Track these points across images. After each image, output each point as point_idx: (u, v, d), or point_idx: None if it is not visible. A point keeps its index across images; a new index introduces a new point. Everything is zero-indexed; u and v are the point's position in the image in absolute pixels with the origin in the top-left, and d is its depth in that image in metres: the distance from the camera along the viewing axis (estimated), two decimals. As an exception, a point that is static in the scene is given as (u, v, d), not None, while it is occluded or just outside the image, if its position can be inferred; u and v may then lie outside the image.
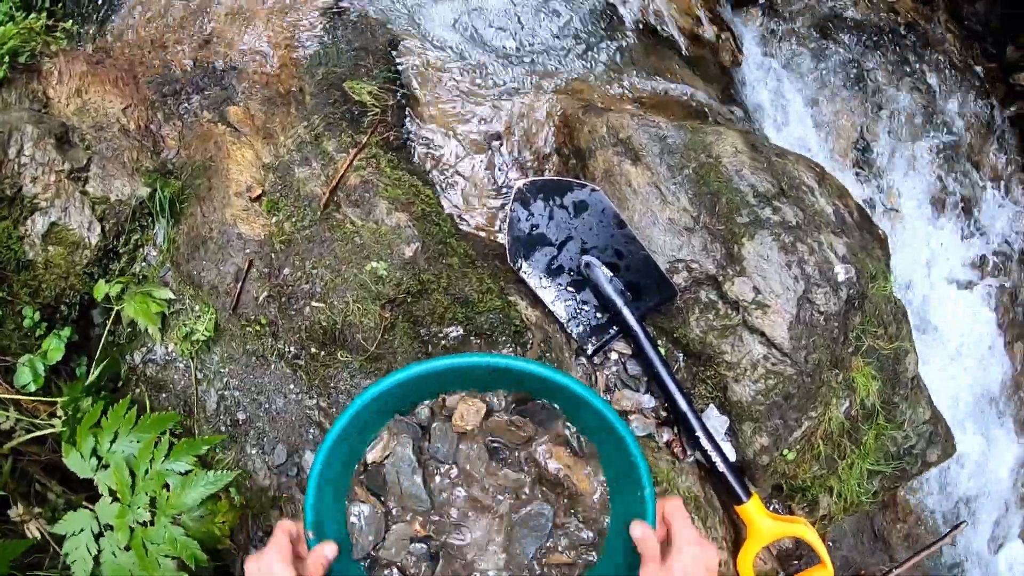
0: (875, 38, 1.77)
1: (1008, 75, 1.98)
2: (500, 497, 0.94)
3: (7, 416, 1.24)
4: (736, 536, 1.29)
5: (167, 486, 0.97)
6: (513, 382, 1.02)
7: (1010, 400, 1.85)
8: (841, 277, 1.25)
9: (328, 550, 0.91)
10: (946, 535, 1.49)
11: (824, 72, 1.69)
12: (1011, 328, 1.87)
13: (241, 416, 1.24)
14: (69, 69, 1.47)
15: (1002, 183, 1.91)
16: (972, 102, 1.86)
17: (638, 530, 0.85)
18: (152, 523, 0.97)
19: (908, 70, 1.80)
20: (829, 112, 1.71)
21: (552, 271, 1.22)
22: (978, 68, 1.92)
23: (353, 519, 0.99)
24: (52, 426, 1.22)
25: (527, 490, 0.96)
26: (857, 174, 1.68)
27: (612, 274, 1.22)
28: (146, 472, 0.98)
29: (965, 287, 1.82)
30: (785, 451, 1.26)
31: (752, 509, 1.21)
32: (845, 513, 1.42)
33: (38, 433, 1.22)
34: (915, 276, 1.76)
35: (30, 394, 1.21)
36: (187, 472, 0.96)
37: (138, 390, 1.28)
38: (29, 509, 1.26)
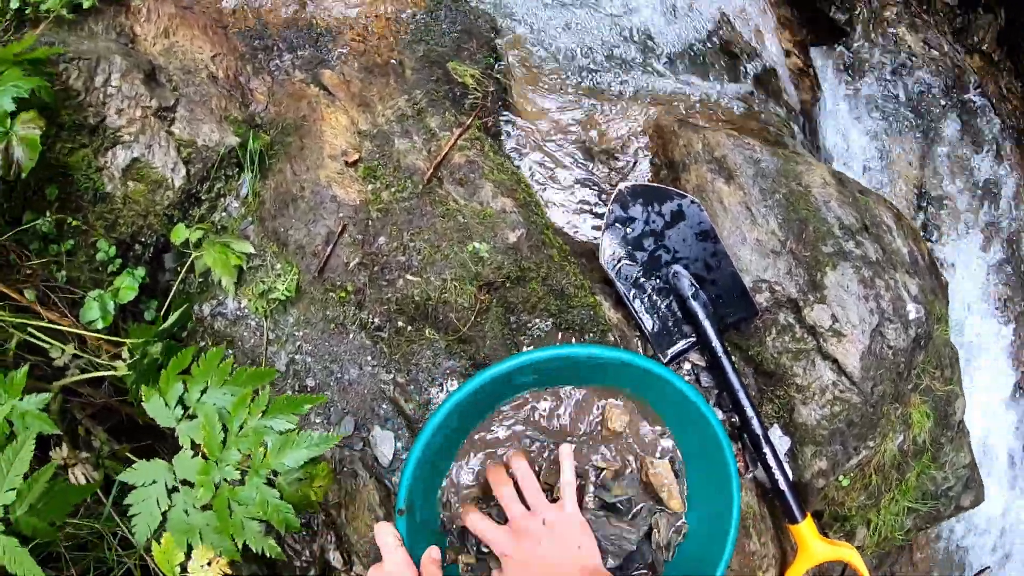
0: (944, 92, 1.86)
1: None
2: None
3: (63, 351, 1.21)
4: (782, 556, 1.34)
5: (264, 445, 0.96)
6: (622, 378, 1.05)
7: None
8: (912, 316, 1.32)
9: (435, 553, 0.96)
10: (968, 577, 1.57)
11: (891, 118, 1.77)
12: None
13: (310, 383, 1.24)
14: (158, 8, 1.45)
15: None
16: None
17: None
18: (242, 482, 0.96)
19: (971, 127, 1.89)
20: (890, 158, 1.80)
21: (640, 275, 1.26)
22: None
23: None
24: (114, 368, 1.20)
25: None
26: (919, 224, 1.77)
27: (697, 286, 1.26)
28: (240, 427, 0.97)
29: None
30: (841, 477, 1.31)
31: (806, 529, 1.25)
32: (877, 547, 1.48)
33: (97, 374, 1.20)
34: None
35: (96, 331, 1.19)
36: (287, 431, 0.96)
37: (203, 343, 1.27)
38: (75, 453, 1.23)
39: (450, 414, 0.96)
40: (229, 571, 1.13)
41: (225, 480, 0.97)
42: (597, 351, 1.00)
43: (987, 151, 1.86)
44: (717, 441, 1.03)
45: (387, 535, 0.99)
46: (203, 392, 1.01)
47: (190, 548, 1.10)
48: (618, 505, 1.03)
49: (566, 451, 1.01)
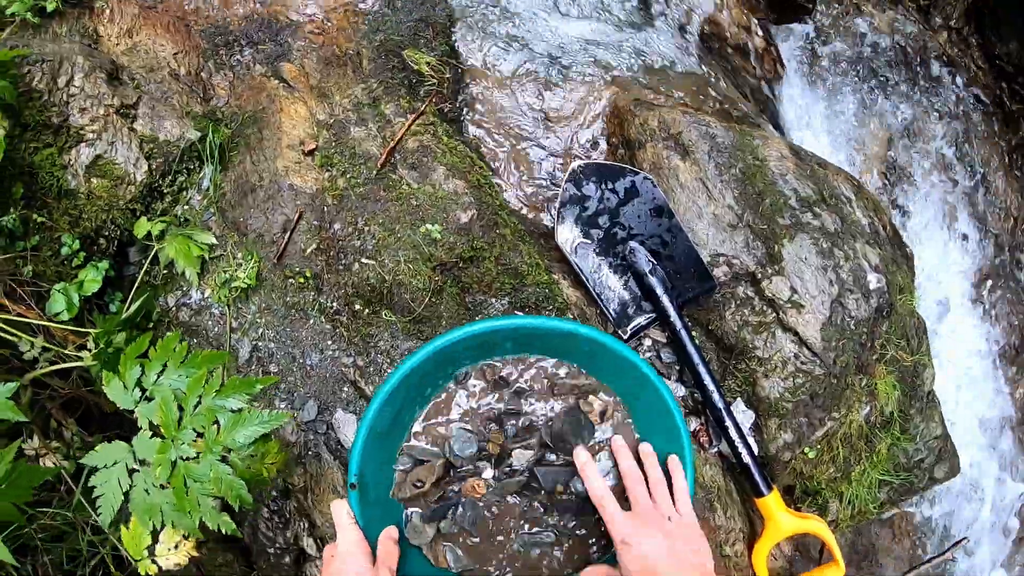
0: (911, 69, 1.88)
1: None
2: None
3: (32, 344, 1.25)
4: (751, 530, 1.35)
5: (216, 423, 0.99)
6: (570, 350, 1.07)
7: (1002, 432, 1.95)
8: (873, 285, 1.33)
9: (393, 532, 0.98)
10: (947, 550, 1.57)
11: (856, 96, 1.79)
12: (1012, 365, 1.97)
13: (273, 369, 1.27)
14: (121, 9, 1.50)
15: (1016, 221, 2.03)
16: (999, 141, 1.97)
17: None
18: (197, 459, 0.99)
19: (939, 104, 1.90)
20: (856, 135, 1.81)
21: (596, 253, 1.28)
22: (1008, 107, 2.04)
23: None
24: (80, 359, 1.23)
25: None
26: (884, 196, 1.78)
27: (655, 262, 1.28)
28: (195, 407, 1.00)
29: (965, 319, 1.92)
30: (807, 449, 1.32)
31: (772, 503, 1.27)
32: (852, 520, 1.49)
33: (65, 365, 1.24)
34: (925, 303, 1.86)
35: (62, 323, 1.23)
36: (239, 410, 0.99)
37: (169, 333, 1.30)
38: (46, 443, 1.27)
39: (395, 389, 0.98)
40: (196, 553, 1.17)
41: (181, 458, 1.00)
42: (538, 322, 1.02)
43: (954, 126, 1.87)
44: (667, 408, 1.04)
45: (340, 513, 1.01)
46: (160, 374, 1.05)
47: (158, 532, 1.13)
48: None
49: (674, 463, 1.04)
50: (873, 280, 1.33)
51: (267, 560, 1.34)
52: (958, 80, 1.87)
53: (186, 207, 1.34)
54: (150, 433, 1.04)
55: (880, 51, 1.83)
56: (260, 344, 1.27)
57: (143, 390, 1.05)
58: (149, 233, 1.28)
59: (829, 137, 1.74)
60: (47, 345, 1.24)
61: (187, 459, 1.00)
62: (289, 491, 1.29)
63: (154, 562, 1.13)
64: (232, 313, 1.27)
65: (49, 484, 1.27)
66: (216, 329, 1.28)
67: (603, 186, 1.27)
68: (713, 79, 1.49)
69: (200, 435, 1.00)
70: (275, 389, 1.26)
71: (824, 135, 1.73)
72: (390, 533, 1.02)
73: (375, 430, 1.01)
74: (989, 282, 1.87)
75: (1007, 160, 1.91)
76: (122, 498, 1.05)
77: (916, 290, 1.46)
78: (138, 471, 1.05)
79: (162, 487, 1.03)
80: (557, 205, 1.26)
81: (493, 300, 1.20)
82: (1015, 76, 1.87)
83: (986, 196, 1.86)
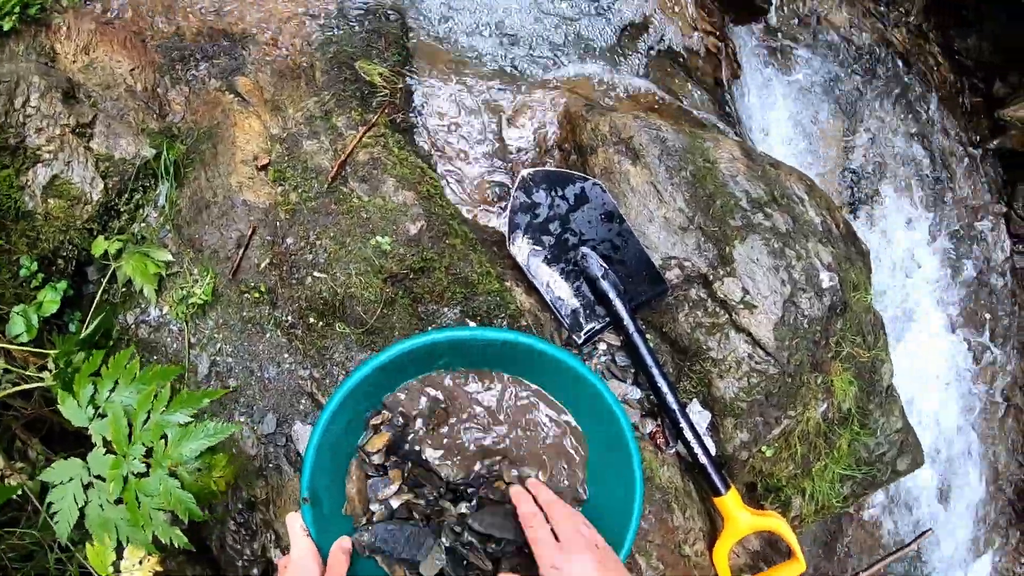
0: (870, 66, 1.89)
1: (993, 110, 2.12)
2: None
3: (-6, 366, 1.27)
4: (712, 528, 1.37)
5: (165, 438, 1.01)
6: (513, 362, 1.09)
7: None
8: (825, 284, 1.35)
9: (346, 543, 1.00)
10: (912, 542, 1.59)
11: (817, 93, 1.81)
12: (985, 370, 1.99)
13: (232, 383, 1.29)
14: (78, 26, 1.52)
15: (979, 213, 2.05)
16: (959, 134, 2.00)
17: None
18: (147, 475, 1.01)
19: (900, 99, 1.92)
20: (817, 133, 1.83)
21: (548, 260, 1.30)
22: (966, 101, 2.06)
23: None
24: (42, 379, 1.26)
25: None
26: (840, 195, 1.80)
27: (607, 267, 1.30)
28: (144, 422, 1.02)
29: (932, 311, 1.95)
30: (764, 447, 1.35)
31: (730, 501, 1.29)
32: (816, 515, 1.51)
33: (26, 386, 1.26)
34: (889, 298, 1.89)
35: (22, 345, 1.25)
36: (187, 424, 1.01)
37: (122, 350, 1.32)
38: (11, 464, 1.29)
39: (343, 404, 1.00)
40: (160, 568, 1.19)
41: (132, 473, 1.02)
42: (481, 333, 1.04)
43: (914, 121, 1.89)
44: (612, 414, 1.06)
45: (294, 525, 1.03)
46: (112, 391, 1.07)
47: (122, 548, 1.15)
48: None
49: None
50: (826, 279, 1.35)
51: (235, 572, 1.36)
52: (917, 76, 1.89)
53: (143, 224, 1.36)
54: (104, 450, 1.06)
55: (838, 49, 1.84)
56: (218, 359, 1.29)
57: (96, 407, 1.07)
58: (107, 252, 1.30)
59: (787, 135, 1.75)
60: (8, 367, 1.27)
61: (138, 474, 1.02)
62: (254, 504, 1.31)
63: (119, 578, 1.15)
64: (190, 329, 1.29)
65: (16, 504, 1.29)
66: (175, 345, 1.30)
67: (553, 193, 1.29)
68: (666, 81, 1.50)
69: (150, 450, 1.02)
70: (234, 403, 1.28)
71: (782, 133, 1.75)
72: (342, 544, 1.04)
73: (325, 444, 1.03)
74: (949, 273, 1.89)
75: (967, 152, 1.93)
76: (78, 514, 1.07)
77: (871, 287, 1.48)
78: (93, 487, 1.07)
79: (116, 502, 1.05)
80: (508, 213, 1.28)
81: (445, 310, 1.22)
82: (974, 71, 1.89)
83: (948, 188, 1.87)
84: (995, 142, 2.15)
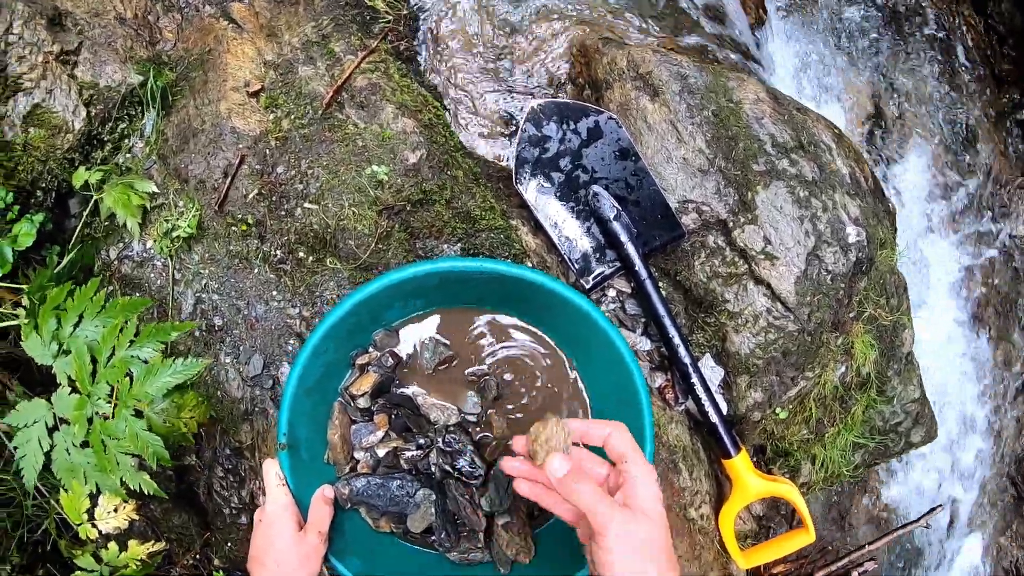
0: (898, 23, 1.69)
1: (1024, 77, 1.90)
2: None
3: (-33, 304, 1.12)
4: (719, 492, 1.21)
5: (130, 375, 0.86)
6: (513, 298, 0.93)
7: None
8: (852, 239, 1.17)
9: (328, 492, 0.86)
10: (921, 517, 1.43)
11: (841, 50, 1.61)
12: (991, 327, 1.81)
13: (218, 321, 1.13)
14: (66, -52, 1.34)
15: (1006, 186, 1.85)
16: (987, 101, 1.79)
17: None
18: (113, 416, 0.86)
19: (928, 62, 1.72)
20: (840, 86, 1.64)
21: (558, 198, 1.13)
22: (997, 68, 1.85)
23: None
24: (16, 316, 1.10)
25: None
26: (868, 152, 1.61)
27: (620, 207, 1.13)
28: (109, 359, 0.87)
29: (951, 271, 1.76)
30: (778, 409, 1.18)
31: (740, 464, 1.13)
32: (825, 483, 1.35)
33: (1, 324, 1.11)
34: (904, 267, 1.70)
35: (-4, 279, 1.10)
36: (151, 360, 0.85)
37: (111, 287, 1.17)
38: (-13, 405, 1.14)
39: (323, 340, 0.84)
40: (136, 516, 1.04)
41: (97, 414, 0.87)
42: (490, 265, 0.87)
43: (941, 84, 1.69)
44: (622, 361, 0.90)
45: (269, 474, 0.89)
46: (76, 325, 0.91)
47: (98, 495, 1.01)
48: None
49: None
50: (852, 233, 1.18)
51: (223, 520, 1.22)
52: (948, 38, 1.69)
53: (128, 155, 1.19)
54: (68, 389, 0.91)
55: (867, 3, 1.64)
56: (204, 296, 1.13)
57: (60, 343, 0.92)
58: (87, 183, 1.14)
59: (811, 87, 1.56)
60: (-18, 305, 1.11)
61: (102, 415, 0.87)
62: (240, 449, 1.16)
63: (94, 526, 1.01)
64: (175, 264, 1.13)
65: (-6, 450, 1.15)
66: (159, 282, 1.14)
67: (564, 126, 1.11)
68: (698, 25, 1.31)
69: (114, 390, 0.87)
70: (220, 343, 1.13)
71: (806, 84, 1.55)
72: (324, 493, 0.90)
73: (304, 385, 0.87)
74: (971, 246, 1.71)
75: (994, 122, 1.73)
76: (43, 458, 0.92)
77: (897, 247, 1.30)
78: (59, 430, 0.92)
79: (83, 446, 0.90)
80: (515, 146, 1.10)
81: (444, 246, 1.06)
82: (1006, 37, 1.68)
83: (972, 157, 1.68)
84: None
